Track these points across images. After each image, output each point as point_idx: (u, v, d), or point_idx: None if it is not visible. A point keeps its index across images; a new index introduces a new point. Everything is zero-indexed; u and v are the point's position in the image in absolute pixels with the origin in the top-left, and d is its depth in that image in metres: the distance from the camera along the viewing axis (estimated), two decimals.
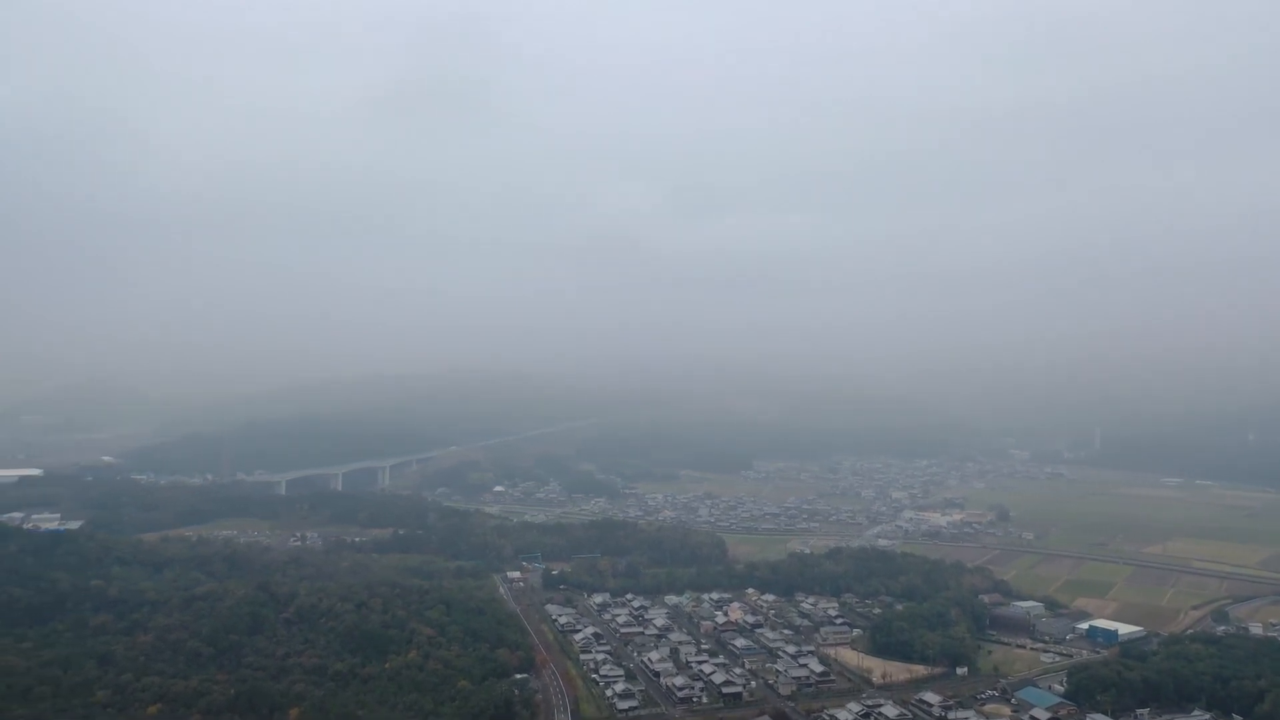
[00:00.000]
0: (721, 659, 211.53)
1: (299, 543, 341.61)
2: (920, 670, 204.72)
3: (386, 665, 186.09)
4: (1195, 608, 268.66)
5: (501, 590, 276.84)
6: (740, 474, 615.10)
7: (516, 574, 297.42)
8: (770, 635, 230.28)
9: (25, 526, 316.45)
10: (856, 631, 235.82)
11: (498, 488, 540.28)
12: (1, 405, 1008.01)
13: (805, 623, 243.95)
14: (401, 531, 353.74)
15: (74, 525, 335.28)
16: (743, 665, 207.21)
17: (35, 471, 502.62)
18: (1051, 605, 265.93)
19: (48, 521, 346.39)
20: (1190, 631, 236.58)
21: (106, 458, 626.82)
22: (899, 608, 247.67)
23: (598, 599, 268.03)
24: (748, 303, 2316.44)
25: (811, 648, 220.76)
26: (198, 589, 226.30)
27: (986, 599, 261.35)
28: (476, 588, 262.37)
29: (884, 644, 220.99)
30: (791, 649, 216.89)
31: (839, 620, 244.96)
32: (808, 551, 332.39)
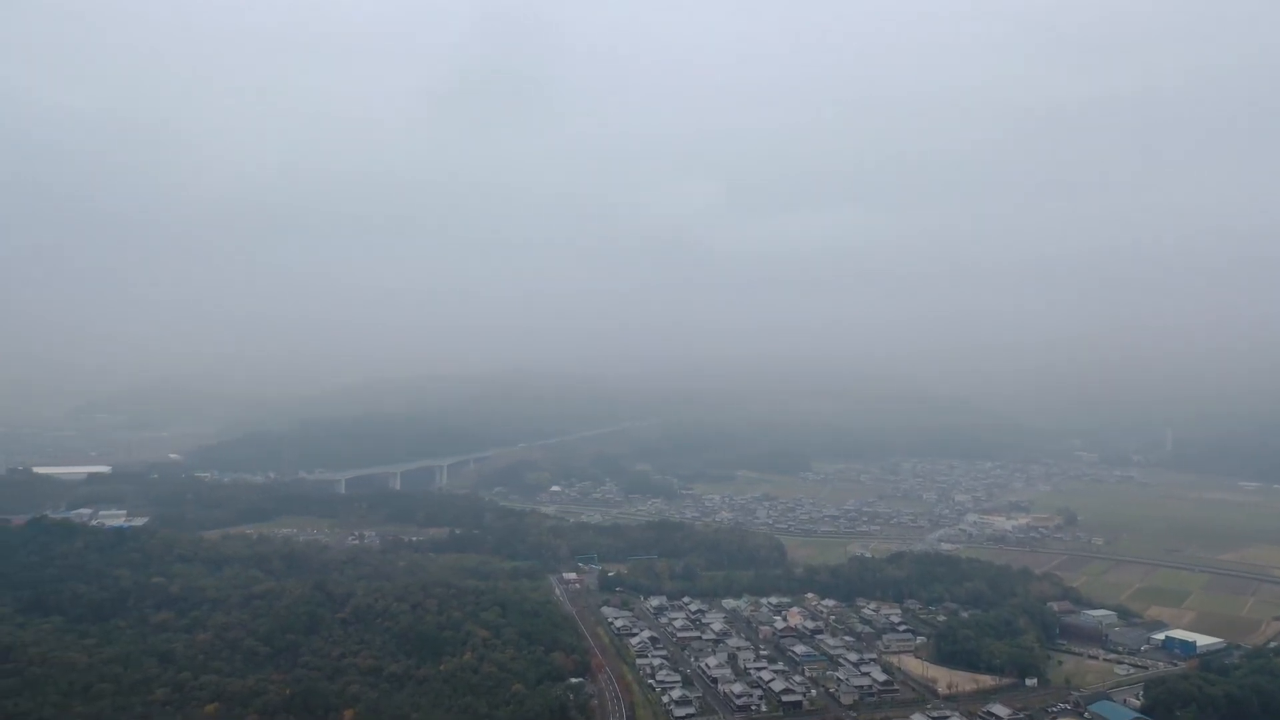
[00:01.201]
0: (781, 666, 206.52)
1: (357, 541, 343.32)
2: (988, 681, 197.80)
3: (441, 667, 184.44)
4: (1278, 618, 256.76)
5: (557, 592, 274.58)
6: (798, 475, 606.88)
7: (573, 575, 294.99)
8: (831, 642, 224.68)
9: (92, 523, 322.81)
10: (920, 639, 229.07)
11: (554, 487, 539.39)
12: (75, 404, 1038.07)
13: (867, 629, 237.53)
14: (458, 531, 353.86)
15: (139, 522, 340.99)
16: (803, 673, 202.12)
17: (104, 469, 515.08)
18: (1124, 614, 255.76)
19: (114, 518, 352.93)
20: (1274, 644, 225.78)
21: (173, 455, 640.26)
22: (964, 615, 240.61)
23: (654, 602, 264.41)
24: (805, 300, 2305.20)
25: (874, 655, 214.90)
26: (256, 587, 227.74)
27: (1055, 607, 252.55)
28: (532, 589, 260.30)
29: (949, 653, 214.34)
30: (853, 656, 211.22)
31: (902, 627, 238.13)
32: (868, 555, 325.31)
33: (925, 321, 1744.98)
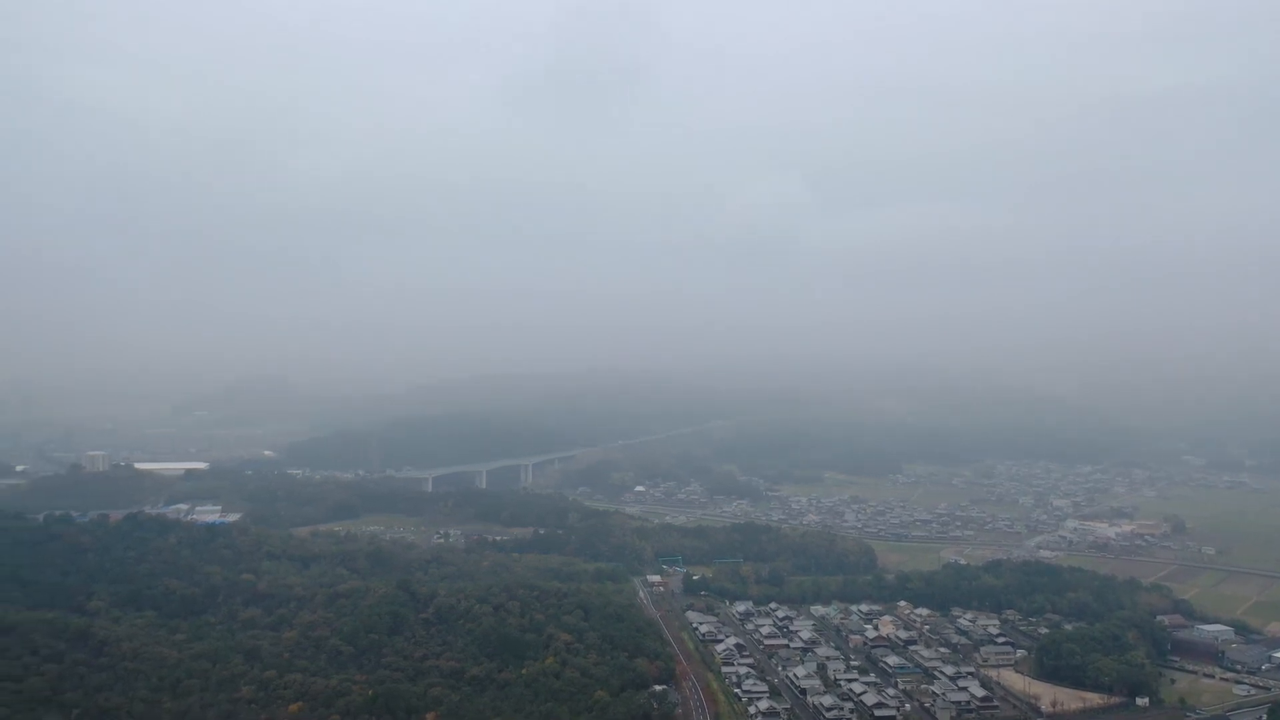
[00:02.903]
0: (873, 678, 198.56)
1: (442, 540, 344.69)
2: (1094, 699, 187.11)
3: (524, 671, 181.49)
4: None
5: (641, 595, 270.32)
6: (888, 477, 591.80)
7: (657, 578, 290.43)
8: (925, 653, 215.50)
9: (189, 518, 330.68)
10: (1020, 652, 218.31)
11: (638, 488, 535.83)
12: (176, 401, 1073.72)
13: (963, 641, 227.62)
14: (542, 531, 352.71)
15: (233, 518, 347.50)
16: (896, 685, 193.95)
17: (201, 465, 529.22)
18: (1241, 629, 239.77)
19: (209, 514, 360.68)
20: None
21: (267, 452, 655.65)
22: (1068, 628, 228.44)
23: (740, 607, 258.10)
24: (893, 297, 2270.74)
25: (971, 669, 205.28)
26: (341, 586, 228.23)
27: (1166, 621, 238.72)
28: (615, 592, 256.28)
29: (1052, 668, 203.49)
30: (949, 669, 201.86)
31: (1001, 639, 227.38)
32: (963, 563, 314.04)
33: (1014, 317, 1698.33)
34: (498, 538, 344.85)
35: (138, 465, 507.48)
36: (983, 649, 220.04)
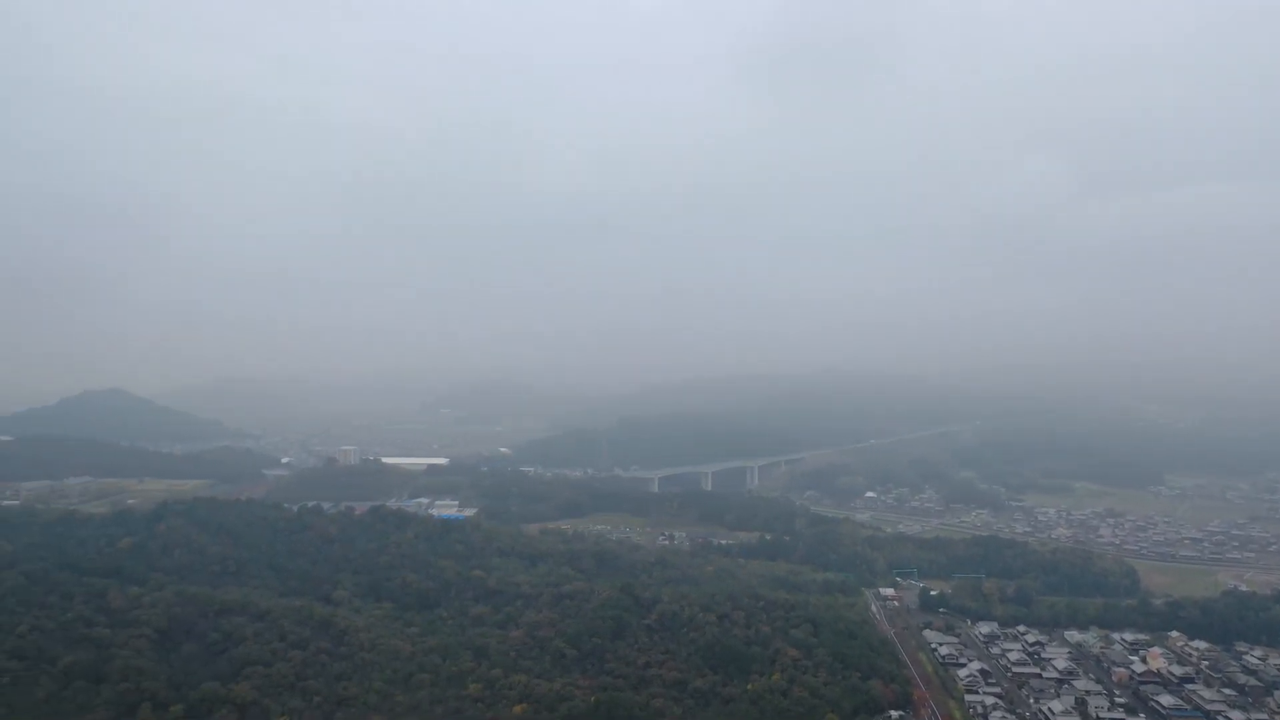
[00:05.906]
0: (1143, 718, 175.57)
1: (667, 542, 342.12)
2: None
3: (749, 687, 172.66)
4: None
5: (873, 609, 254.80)
6: (1148, 489, 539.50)
7: (890, 591, 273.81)
8: (1206, 694, 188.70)
9: (429, 512, 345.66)
10: None
11: (868, 493, 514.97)
12: (424, 400, 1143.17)
13: (1252, 682, 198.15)
14: (768, 537, 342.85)
15: (469, 513, 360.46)
16: None
17: (442, 461, 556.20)
18: None
19: (447, 508, 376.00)
20: None
21: (503, 449, 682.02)
22: None
23: (984, 628, 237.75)
24: (1159, 290, 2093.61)
25: (1264, 715, 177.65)
26: (566, 586, 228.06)
27: None
28: (846, 605, 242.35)
29: None
30: (1237, 715, 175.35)
31: None
32: (1245, 589, 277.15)
33: None
34: (722, 541, 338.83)
35: (384, 460, 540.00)
36: (1277, 693, 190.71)
